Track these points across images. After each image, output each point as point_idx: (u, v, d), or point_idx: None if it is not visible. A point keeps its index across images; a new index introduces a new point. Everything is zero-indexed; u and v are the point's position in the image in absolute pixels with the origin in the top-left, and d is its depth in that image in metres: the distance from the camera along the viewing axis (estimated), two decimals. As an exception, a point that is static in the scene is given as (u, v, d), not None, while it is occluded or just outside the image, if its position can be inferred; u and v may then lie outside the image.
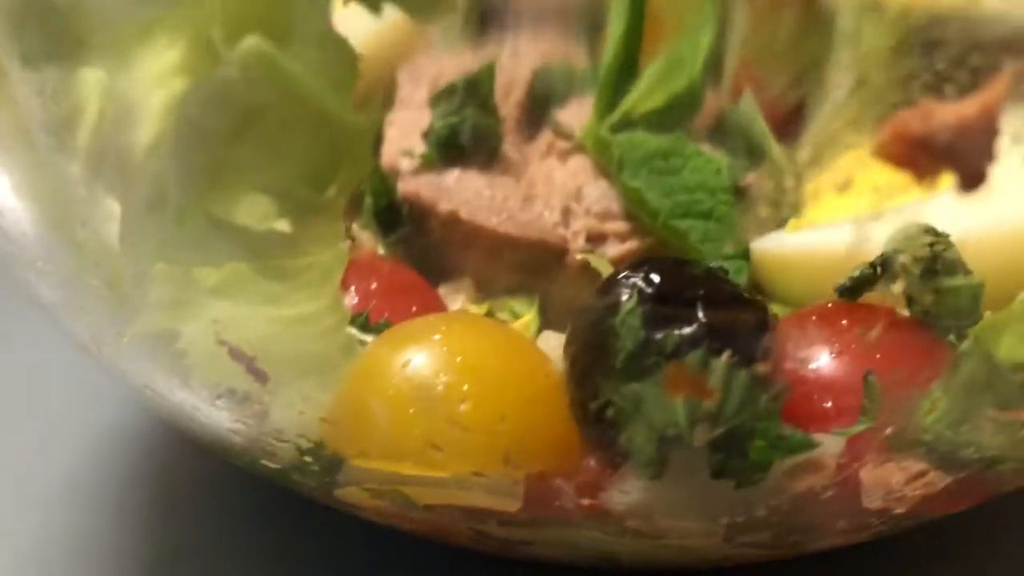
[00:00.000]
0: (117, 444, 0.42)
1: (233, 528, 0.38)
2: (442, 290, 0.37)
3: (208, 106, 0.24)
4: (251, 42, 0.23)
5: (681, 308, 0.29)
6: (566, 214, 0.36)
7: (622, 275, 0.29)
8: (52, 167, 0.30)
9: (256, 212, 0.25)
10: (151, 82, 0.27)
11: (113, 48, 0.27)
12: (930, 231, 0.30)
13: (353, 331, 0.32)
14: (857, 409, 0.29)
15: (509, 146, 0.37)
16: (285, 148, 0.25)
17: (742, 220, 0.35)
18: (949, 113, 0.23)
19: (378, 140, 0.36)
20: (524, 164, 0.37)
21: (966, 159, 0.25)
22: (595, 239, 0.36)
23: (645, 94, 0.36)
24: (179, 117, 0.25)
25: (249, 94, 0.23)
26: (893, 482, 0.29)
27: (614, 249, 0.36)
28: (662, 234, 0.34)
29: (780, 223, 0.36)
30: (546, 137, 0.37)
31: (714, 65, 0.36)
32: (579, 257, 0.35)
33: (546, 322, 0.36)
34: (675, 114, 0.36)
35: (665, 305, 0.29)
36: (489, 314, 0.36)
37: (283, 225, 0.26)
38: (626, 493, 0.29)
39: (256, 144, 0.24)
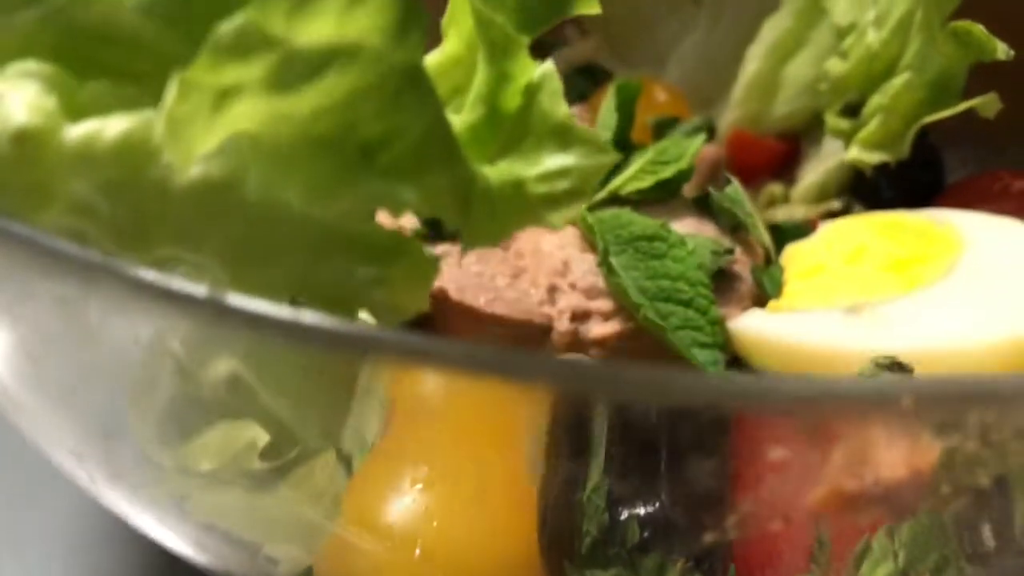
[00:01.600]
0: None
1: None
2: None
3: (188, 408, 0.24)
4: (229, 366, 0.23)
5: (646, 480, 0.30)
6: (552, 291, 0.36)
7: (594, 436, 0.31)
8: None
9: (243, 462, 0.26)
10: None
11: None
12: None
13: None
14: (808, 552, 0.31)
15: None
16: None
17: (723, 305, 0.35)
18: (882, 472, 0.24)
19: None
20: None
21: (898, 505, 0.26)
22: (580, 317, 0.36)
23: (633, 178, 0.36)
24: (166, 406, 0.25)
25: (229, 410, 0.24)
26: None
27: (597, 328, 0.36)
28: (642, 322, 0.35)
29: (761, 302, 0.36)
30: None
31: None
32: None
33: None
34: (662, 193, 0.36)
35: (630, 479, 0.30)
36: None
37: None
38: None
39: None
